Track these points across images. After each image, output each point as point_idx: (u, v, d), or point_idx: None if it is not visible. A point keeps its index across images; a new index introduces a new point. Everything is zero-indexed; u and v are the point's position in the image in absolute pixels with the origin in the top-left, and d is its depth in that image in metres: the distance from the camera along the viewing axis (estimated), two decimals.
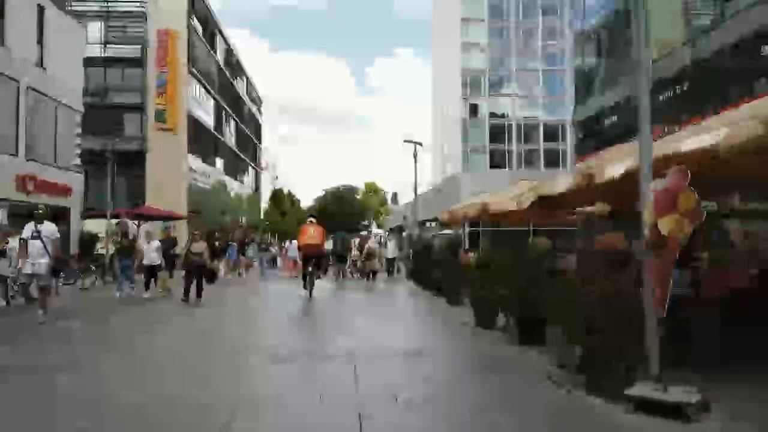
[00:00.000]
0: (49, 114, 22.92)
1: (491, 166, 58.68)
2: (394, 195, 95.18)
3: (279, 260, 32.12)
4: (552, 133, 63.79)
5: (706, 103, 17.39)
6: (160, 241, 21.26)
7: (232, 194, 58.29)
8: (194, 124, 45.04)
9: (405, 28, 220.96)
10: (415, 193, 20.84)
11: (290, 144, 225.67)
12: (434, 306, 13.78)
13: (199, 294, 13.78)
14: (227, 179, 56.11)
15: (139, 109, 42.30)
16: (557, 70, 64.84)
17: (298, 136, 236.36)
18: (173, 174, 41.16)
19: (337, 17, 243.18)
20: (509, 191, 13.47)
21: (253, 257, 26.32)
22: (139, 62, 42.49)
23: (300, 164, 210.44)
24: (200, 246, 14.11)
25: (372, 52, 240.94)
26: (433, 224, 41.11)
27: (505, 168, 56.91)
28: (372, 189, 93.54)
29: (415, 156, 19.88)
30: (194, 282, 13.63)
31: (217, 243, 19.97)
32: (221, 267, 20.70)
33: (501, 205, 12.48)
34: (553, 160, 60.54)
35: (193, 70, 44.46)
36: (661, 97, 21.37)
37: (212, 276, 16.40)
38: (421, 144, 20.88)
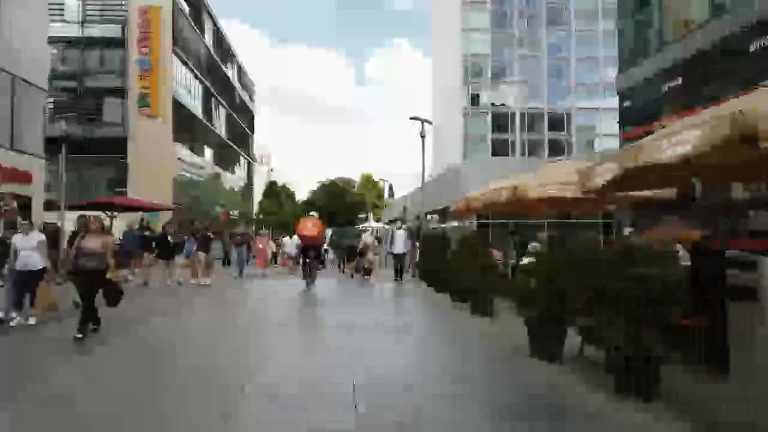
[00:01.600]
0: (3, 89, 20.14)
1: (493, 156, 56.12)
2: (390, 187, 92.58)
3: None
4: (557, 123, 61.27)
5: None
6: (145, 231, 18.43)
7: (225, 186, 55.81)
8: (181, 111, 42.24)
9: (403, 18, 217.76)
10: (423, 175, 18.07)
11: (286, 136, 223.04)
12: (457, 317, 10.95)
13: (91, 319, 8.06)
14: (217, 170, 53.33)
15: (121, 93, 39.43)
16: (561, 58, 62.17)
17: (293, 128, 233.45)
18: (158, 163, 38.38)
19: (333, 8, 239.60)
20: (542, 174, 10.92)
21: (218, 256, 23.03)
22: (120, 42, 39.62)
23: (295, 157, 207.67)
24: (95, 242, 8.18)
25: (370, 43, 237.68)
26: (434, 216, 38.53)
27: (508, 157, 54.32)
28: (368, 181, 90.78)
29: (422, 136, 17.18)
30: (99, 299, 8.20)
31: (169, 236, 16.10)
32: (177, 267, 16.49)
33: (544, 189, 9.90)
34: (557, 150, 57.99)
35: (179, 51, 41.59)
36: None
37: (114, 293, 8.38)
38: (430, 122, 18.13)
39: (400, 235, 17.68)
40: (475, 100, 60.88)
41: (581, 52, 60.92)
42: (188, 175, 43.74)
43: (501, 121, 60.00)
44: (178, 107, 41.65)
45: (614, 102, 25.22)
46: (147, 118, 38.99)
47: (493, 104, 60.24)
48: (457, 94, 60.71)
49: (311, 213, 17.06)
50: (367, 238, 19.96)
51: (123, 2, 39.56)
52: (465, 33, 58.34)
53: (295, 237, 20.09)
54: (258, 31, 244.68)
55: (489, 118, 59.10)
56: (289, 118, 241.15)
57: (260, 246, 20.02)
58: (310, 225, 15.31)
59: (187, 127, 44.28)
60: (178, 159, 41.54)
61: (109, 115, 39.81)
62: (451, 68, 63.62)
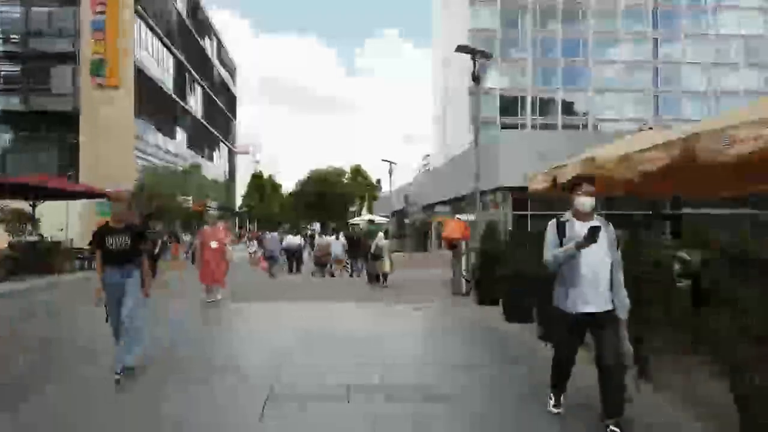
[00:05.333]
0: None
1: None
2: (378, 181, 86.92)
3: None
4: (570, 106, 55.69)
5: None
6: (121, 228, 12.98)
7: (205, 175, 49.60)
8: (146, 83, 35.91)
9: (393, 8, 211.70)
10: (476, 139, 12.09)
11: (274, 127, 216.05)
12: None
13: None
14: (191, 155, 47.06)
15: (71, 58, 33.07)
16: (577, 32, 56.45)
17: (282, 119, 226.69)
18: (116, 143, 32.16)
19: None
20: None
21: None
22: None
23: (285, 148, 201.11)
24: None
25: (360, 33, 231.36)
26: (446, 208, 32.73)
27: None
28: (358, 173, 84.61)
29: (476, 78, 11.13)
30: None
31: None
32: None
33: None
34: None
35: (143, 12, 35.23)
36: None
37: None
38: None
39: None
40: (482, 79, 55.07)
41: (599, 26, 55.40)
42: (154, 159, 37.48)
43: (510, 104, 54.26)
44: (143, 79, 35.34)
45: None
46: (102, 89, 32.68)
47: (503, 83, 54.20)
48: (463, 72, 54.88)
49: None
50: (380, 241, 15.48)
51: None
52: (472, 6, 52.37)
53: (342, 237, 18.88)
54: (247, 21, 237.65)
55: (498, 99, 53.28)
56: (278, 109, 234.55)
57: (210, 245, 10.56)
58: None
59: (154, 104, 37.98)
60: (142, 139, 35.24)
61: (58, 85, 33.48)
62: (456, 43, 57.65)
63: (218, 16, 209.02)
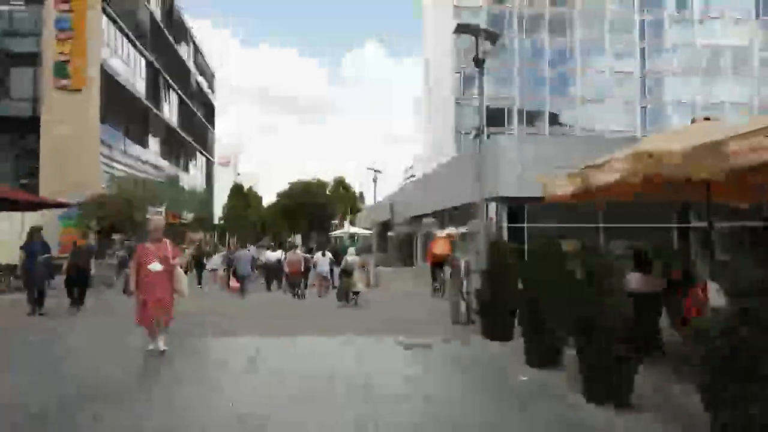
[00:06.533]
0: None
1: None
2: (361, 193, 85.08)
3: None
4: (557, 117, 54.51)
5: None
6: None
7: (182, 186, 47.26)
8: (114, 87, 33.73)
9: (377, 19, 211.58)
10: (481, 131, 10.35)
11: (255, 137, 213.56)
12: None
13: None
14: (163, 164, 44.81)
15: (33, 59, 30.86)
16: (564, 42, 55.48)
17: (264, 129, 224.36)
18: (80, 149, 29.91)
19: (306, 9, 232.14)
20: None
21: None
22: None
23: (264, 158, 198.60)
24: None
25: (343, 42, 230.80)
26: (432, 219, 30.90)
27: None
28: (341, 185, 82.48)
29: (481, 65, 9.34)
30: None
31: None
32: None
33: None
34: None
35: (112, 12, 33.15)
36: None
37: None
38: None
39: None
40: (468, 85, 53.69)
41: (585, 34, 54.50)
42: (123, 168, 35.23)
43: (497, 114, 52.86)
44: (111, 83, 33.17)
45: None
46: (66, 92, 30.48)
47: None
48: (449, 80, 53.60)
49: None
50: (351, 255, 14.97)
51: None
52: (457, 10, 51.07)
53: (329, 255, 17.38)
54: (229, 31, 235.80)
55: (484, 106, 51.78)
56: (260, 119, 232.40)
57: (150, 267, 7.48)
58: None
59: (124, 109, 35.81)
60: (109, 146, 33.00)
61: (18, 88, 31.22)
62: (442, 49, 56.39)
63: (196, 25, 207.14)
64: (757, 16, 57.75)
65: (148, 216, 7.92)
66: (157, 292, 7.35)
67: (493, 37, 9.82)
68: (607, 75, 56.39)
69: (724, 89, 56.29)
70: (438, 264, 15.79)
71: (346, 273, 14.28)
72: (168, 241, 7.79)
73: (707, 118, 6.35)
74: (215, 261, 19.14)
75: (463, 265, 9.89)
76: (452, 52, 53.39)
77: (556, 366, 6.19)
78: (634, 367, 4.81)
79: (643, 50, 57.43)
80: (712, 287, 5.18)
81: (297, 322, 10.93)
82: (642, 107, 57.25)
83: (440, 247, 16.00)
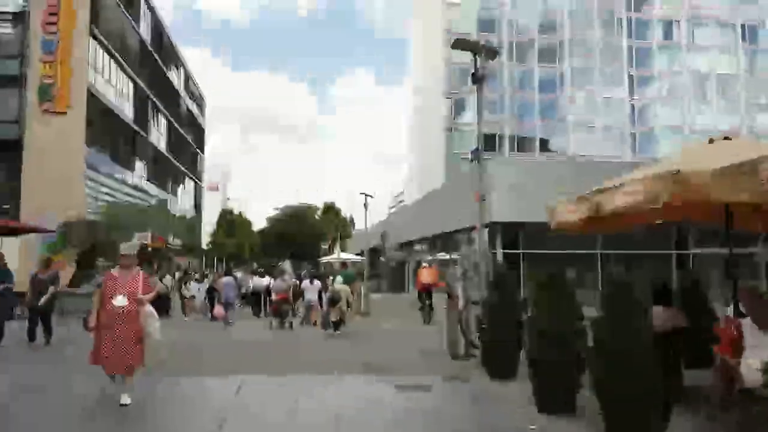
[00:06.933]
0: None
1: None
2: (352, 218, 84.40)
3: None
4: (547, 143, 54.59)
5: None
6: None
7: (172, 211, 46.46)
8: (100, 110, 33.19)
9: (365, 46, 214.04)
10: (479, 152, 9.83)
11: (245, 163, 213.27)
12: None
13: None
14: (153, 189, 44.10)
15: (16, 82, 30.29)
16: (554, 69, 55.83)
17: (253, 155, 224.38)
18: (63, 173, 29.15)
19: (298, 36, 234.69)
20: None
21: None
22: (19, 17, 30.74)
23: (254, 182, 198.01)
24: None
25: (332, 70, 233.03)
26: (424, 245, 30.39)
27: None
28: (330, 210, 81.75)
29: (478, 76, 8.90)
30: None
31: None
32: None
33: None
34: None
35: (100, 36, 32.77)
36: None
37: None
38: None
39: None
40: (459, 110, 53.68)
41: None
42: (109, 191, 34.51)
43: (487, 140, 52.77)
44: (97, 106, 32.61)
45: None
46: (51, 115, 29.87)
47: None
48: (439, 105, 53.66)
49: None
50: (338, 283, 15.26)
51: None
52: (445, 33, 51.25)
53: (317, 282, 16.06)
54: (219, 56, 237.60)
55: (475, 132, 51.65)
56: (250, 143, 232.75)
57: (113, 302, 6.22)
58: None
59: (110, 132, 35.25)
60: (94, 170, 32.29)
61: (2, 110, 30.56)
62: (431, 75, 56.54)
63: (187, 50, 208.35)
64: (743, 40, 58.50)
65: (122, 246, 6.51)
66: (118, 331, 6.05)
67: (492, 54, 9.38)
68: (597, 101, 56.67)
69: (712, 116, 56.67)
70: (426, 290, 16.62)
71: (333, 302, 13.69)
72: (141, 271, 6.59)
73: (727, 138, 5.86)
74: (194, 288, 18.32)
75: (461, 294, 9.26)
76: (443, 77, 53.58)
77: (571, 412, 5.56)
78: (665, 415, 4.21)
79: (631, 77, 57.88)
80: (744, 360, 4.58)
81: (279, 357, 10.23)
82: (632, 133, 57.48)
83: (427, 276, 16.88)
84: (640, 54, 57.91)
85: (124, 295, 6.15)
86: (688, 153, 6.11)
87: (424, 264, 18.43)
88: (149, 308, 6.52)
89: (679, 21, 58.16)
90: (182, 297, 18.87)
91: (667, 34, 58.60)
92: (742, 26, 58.37)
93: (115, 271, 6.46)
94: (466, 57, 42.32)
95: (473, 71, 8.80)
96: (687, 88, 57.52)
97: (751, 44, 58.61)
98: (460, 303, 9.09)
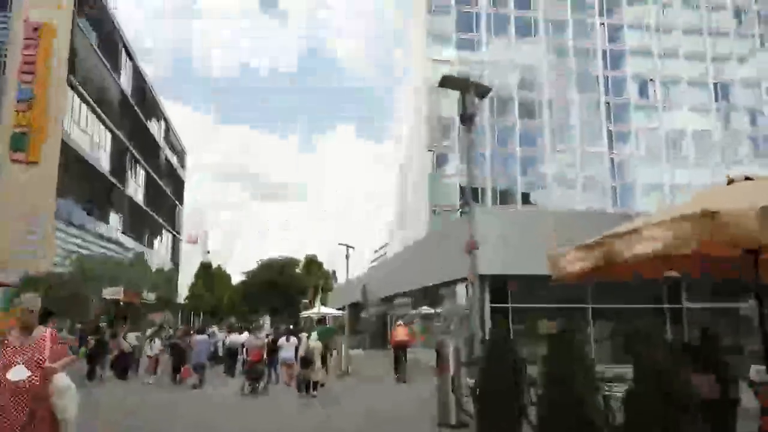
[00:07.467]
0: None
1: None
2: (334, 272, 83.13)
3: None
4: (528, 197, 54.68)
5: None
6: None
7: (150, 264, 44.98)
8: (76, 160, 32.39)
9: (347, 102, 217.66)
10: (468, 196, 9.18)
11: (225, 215, 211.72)
12: None
13: None
14: (129, 241, 42.83)
15: None
16: (534, 124, 56.63)
17: (234, 208, 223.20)
18: (32, 224, 28.05)
19: (278, 91, 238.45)
20: None
21: None
22: None
23: (234, 236, 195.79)
24: None
25: (317, 126, 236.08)
26: (407, 299, 29.37)
27: None
28: (312, 263, 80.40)
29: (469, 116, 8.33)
30: None
31: None
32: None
33: None
34: None
35: (78, 86, 32.33)
36: None
37: None
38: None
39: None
40: (441, 162, 53.76)
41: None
42: (81, 243, 33.27)
43: (470, 192, 52.59)
44: (72, 157, 31.81)
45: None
46: (22, 165, 29.00)
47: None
48: (422, 157, 53.80)
49: None
50: (313, 341, 14.50)
51: (7, 13, 30.55)
52: (430, 95, 51.84)
53: (293, 339, 15.06)
54: (200, 111, 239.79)
55: (458, 185, 51.61)
56: (231, 197, 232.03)
57: (9, 376, 4.34)
58: None
59: (85, 184, 34.32)
60: (66, 221, 31.18)
61: None
62: (415, 129, 56.95)
63: (169, 104, 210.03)
64: (716, 100, 60.08)
65: (24, 297, 4.66)
66: (13, 415, 4.28)
67: (482, 92, 8.89)
68: (578, 156, 57.26)
69: (688, 173, 57.49)
70: (401, 348, 16.81)
71: (305, 361, 12.88)
72: (50, 331, 4.70)
73: (748, 178, 5.25)
74: (156, 346, 16.65)
75: (452, 353, 8.35)
76: (425, 130, 53.91)
77: None
78: None
79: (610, 132, 58.81)
80: None
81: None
82: (612, 186, 57.91)
83: (400, 335, 17.17)
84: (617, 110, 59.11)
85: (22, 365, 4.40)
86: (704, 197, 5.48)
87: (398, 322, 18.46)
88: (63, 380, 4.68)
89: (653, 80, 59.81)
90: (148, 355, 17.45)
91: (643, 93, 60.05)
92: (715, 84, 60.12)
93: (12, 336, 4.62)
94: (446, 112, 42.23)
95: (461, 112, 8.26)
96: (662, 145, 58.58)
97: (723, 100, 60.24)
98: (452, 367, 8.16)
